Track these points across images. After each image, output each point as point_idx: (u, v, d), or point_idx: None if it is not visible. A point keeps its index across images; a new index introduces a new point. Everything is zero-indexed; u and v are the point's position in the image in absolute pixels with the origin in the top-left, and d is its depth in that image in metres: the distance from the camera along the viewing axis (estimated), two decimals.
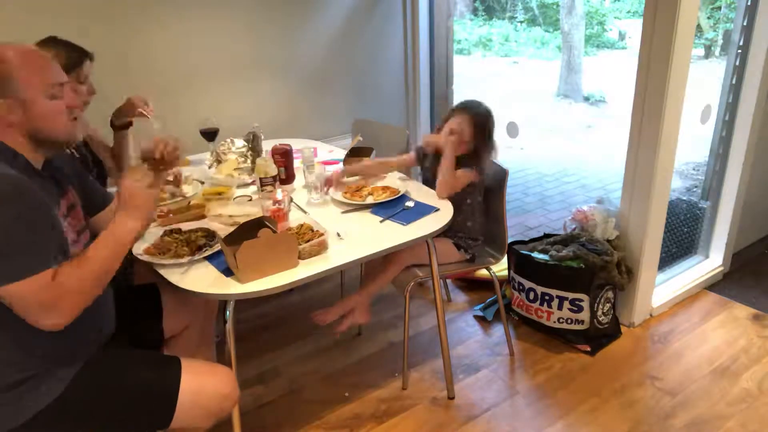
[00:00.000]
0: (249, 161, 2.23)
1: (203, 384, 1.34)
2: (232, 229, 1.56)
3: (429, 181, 2.13)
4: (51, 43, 1.68)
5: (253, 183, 2.13)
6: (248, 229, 1.49)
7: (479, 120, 2.01)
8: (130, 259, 1.65)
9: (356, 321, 2.06)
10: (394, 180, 2.10)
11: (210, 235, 1.66)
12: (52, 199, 1.23)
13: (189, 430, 1.38)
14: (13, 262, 1.09)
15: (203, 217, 1.83)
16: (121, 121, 1.99)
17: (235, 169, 2.20)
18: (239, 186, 2.12)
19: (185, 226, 1.73)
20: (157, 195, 1.33)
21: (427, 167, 2.16)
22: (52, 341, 1.19)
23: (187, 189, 2.04)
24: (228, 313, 1.48)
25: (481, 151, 2.02)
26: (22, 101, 1.16)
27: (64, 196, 1.30)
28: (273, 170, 1.96)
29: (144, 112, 1.96)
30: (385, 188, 2.00)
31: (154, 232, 1.67)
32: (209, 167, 2.27)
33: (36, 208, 1.13)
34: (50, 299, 1.12)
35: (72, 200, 1.33)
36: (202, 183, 2.14)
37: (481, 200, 2.10)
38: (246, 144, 2.26)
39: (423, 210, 1.85)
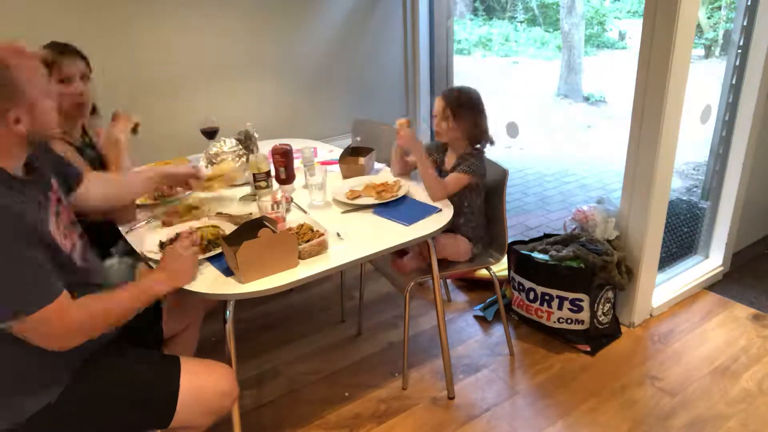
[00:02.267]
0: (245, 159, 2.22)
1: (203, 382, 1.35)
2: (233, 228, 1.56)
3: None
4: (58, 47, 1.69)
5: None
6: (248, 229, 1.49)
7: (453, 95, 1.99)
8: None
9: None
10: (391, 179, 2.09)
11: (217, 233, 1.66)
12: (41, 206, 1.19)
13: (189, 429, 1.38)
14: (26, 295, 1.07)
15: (203, 217, 1.82)
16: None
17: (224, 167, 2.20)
18: (242, 184, 2.12)
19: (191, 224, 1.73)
20: (196, 269, 1.44)
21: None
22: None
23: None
24: (228, 313, 1.48)
25: (472, 132, 1.99)
26: (29, 105, 1.12)
27: (50, 192, 1.27)
28: (265, 166, 1.96)
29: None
30: (384, 185, 2.01)
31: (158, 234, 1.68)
32: (206, 167, 2.26)
33: (26, 235, 1.08)
34: (65, 329, 1.13)
35: (58, 194, 1.30)
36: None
37: (481, 203, 2.08)
38: (238, 143, 2.25)
39: (425, 210, 1.84)
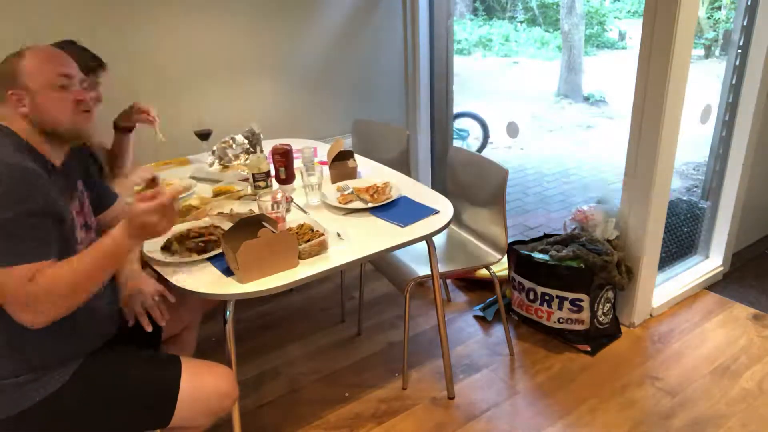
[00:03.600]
0: (256, 155, 2.23)
1: (203, 382, 1.35)
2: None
3: None
4: (68, 45, 1.68)
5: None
6: (246, 227, 1.49)
7: None
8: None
9: None
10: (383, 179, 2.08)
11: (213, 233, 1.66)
12: (63, 195, 1.24)
13: (189, 429, 1.38)
14: (8, 248, 1.08)
15: (204, 216, 1.82)
16: (125, 124, 1.99)
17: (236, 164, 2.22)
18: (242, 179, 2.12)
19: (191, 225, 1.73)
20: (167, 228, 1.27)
21: None
22: (53, 337, 1.20)
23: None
24: (228, 313, 1.48)
25: None
26: (29, 91, 1.21)
27: (74, 191, 1.32)
28: (265, 166, 1.96)
29: (150, 121, 1.97)
30: (374, 187, 1.99)
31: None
32: (210, 165, 2.27)
33: (34, 198, 1.12)
34: (25, 296, 1.09)
35: (80, 196, 1.35)
36: (197, 180, 2.15)
37: None
38: (247, 139, 2.27)
39: (422, 212, 1.83)
